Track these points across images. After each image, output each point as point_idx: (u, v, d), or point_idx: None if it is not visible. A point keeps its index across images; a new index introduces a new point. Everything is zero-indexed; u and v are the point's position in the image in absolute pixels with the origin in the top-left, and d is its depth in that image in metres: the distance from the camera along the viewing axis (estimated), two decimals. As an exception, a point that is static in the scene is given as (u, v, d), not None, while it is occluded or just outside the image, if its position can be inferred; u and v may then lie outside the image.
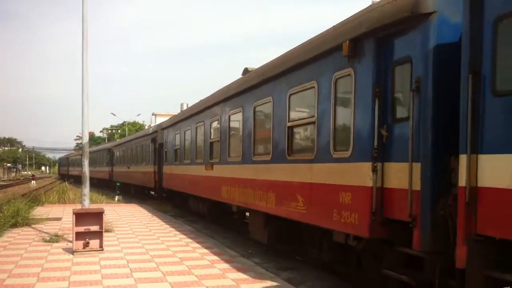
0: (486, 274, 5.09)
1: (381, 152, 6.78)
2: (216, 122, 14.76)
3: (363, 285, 7.84)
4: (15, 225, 15.33)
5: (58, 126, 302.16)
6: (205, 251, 11.49)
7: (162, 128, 24.37)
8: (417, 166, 6.06)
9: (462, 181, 5.22)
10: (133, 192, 32.83)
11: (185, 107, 25.64)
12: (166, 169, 22.37)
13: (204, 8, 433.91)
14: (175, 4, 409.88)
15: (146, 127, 62.31)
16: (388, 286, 7.15)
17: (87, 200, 13.09)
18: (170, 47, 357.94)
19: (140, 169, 29.46)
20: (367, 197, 6.84)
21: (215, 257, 10.67)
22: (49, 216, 18.53)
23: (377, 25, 6.78)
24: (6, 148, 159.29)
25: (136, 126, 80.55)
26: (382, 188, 6.78)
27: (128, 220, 18.03)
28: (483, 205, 5.05)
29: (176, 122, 20.92)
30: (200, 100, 17.46)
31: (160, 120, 41.15)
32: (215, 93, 15.40)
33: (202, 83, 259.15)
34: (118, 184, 33.02)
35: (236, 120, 12.95)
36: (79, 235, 11.12)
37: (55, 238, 12.89)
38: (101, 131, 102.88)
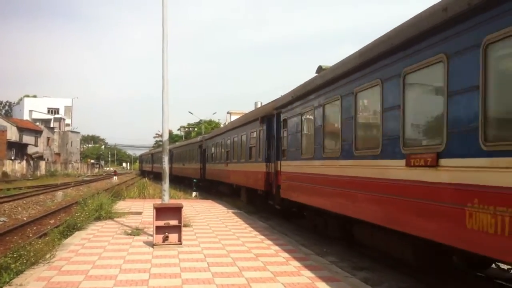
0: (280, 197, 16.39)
1: (273, 157, 17.84)
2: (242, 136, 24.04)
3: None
4: (98, 218, 16.08)
5: (137, 124, 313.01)
6: (280, 248, 11.55)
7: (205, 139, 36.58)
8: (272, 165, 18.19)
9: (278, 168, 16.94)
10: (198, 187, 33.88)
11: (259, 105, 26.30)
12: (209, 166, 33.87)
13: (279, 5, 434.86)
14: (250, 4, 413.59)
15: (222, 125, 63.40)
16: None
17: (167, 195, 13.49)
18: (245, 46, 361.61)
19: (192, 166, 40.82)
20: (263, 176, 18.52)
21: (289, 255, 10.70)
22: (131, 210, 19.26)
23: (268, 111, 19.06)
24: (90, 145, 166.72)
25: (212, 125, 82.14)
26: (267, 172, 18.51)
27: (204, 215, 18.44)
28: (280, 176, 16.43)
29: (213, 136, 33.71)
30: (230, 122, 27.86)
31: (234, 117, 43.11)
32: (234, 120, 27.54)
33: (276, 81, 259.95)
34: (195, 180, 33.73)
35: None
36: (159, 229, 11.49)
37: (136, 232, 13.38)
38: (178, 129, 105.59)
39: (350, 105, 10.39)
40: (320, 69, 13.90)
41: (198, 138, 40.59)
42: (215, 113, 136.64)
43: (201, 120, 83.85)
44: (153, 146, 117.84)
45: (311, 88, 13.21)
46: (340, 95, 11.03)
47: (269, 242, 12.45)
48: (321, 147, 12.29)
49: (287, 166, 15.69)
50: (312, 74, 14.06)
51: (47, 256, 9.83)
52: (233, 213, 19.59)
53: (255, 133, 21.02)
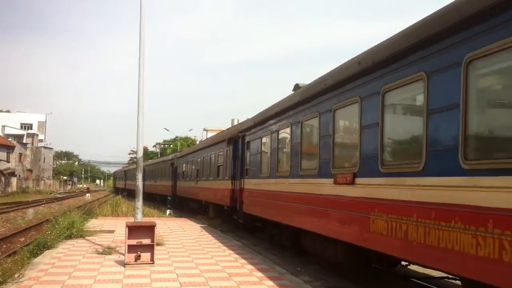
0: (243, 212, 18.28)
1: (238, 176, 19.92)
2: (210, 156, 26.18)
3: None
4: (70, 237, 15.75)
5: (112, 140, 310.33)
6: (254, 267, 11.46)
7: (177, 157, 38.24)
8: (237, 182, 19.88)
9: (242, 186, 18.58)
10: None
11: (235, 123, 26.38)
12: (180, 183, 35.46)
13: (254, 23, 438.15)
14: (226, 21, 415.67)
15: (198, 142, 63.23)
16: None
17: (140, 213, 13.30)
18: (221, 63, 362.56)
19: (163, 183, 42.79)
20: (229, 192, 20.36)
21: (263, 274, 10.62)
22: (103, 229, 18.98)
23: (234, 134, 21.01)
24: (63, 161, 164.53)
25: (188, 141, 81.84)
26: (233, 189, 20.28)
27: (178, 234, 18.25)
28: (243, 192, 17.99)
29: (184, 154, 35.86)
30: (201, 142, 30.92)
31: (210, 134, 43.78)
32: (205, 140, 33.26)
33: (253, 98, 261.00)
34: (169, 198, 33.48)
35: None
36: (131, 248, 11.31)
37: (108, 251, 13.16)
38: (154, 146, 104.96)
39: (298, 132, 12.39)
40: (297, 86, 13.98)
41: (170, 156, 43.49)
42: (191, 129, 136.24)
43: (177, 137, 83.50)
44: (128, 163, 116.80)
45: (269, 115, 15.19)
46: (290, 123, 12.96)
47: (243, 261, 12.36)
48: (276, 167, 14.17)
49: (249, 183, 17.40)
50: (289, 91, 14.23)
51: (16, 275, 9.57)
52: (208, 231, 19.44)
53: (222, 153, 22.81)
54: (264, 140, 15.74)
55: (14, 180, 73.21)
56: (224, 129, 29.30)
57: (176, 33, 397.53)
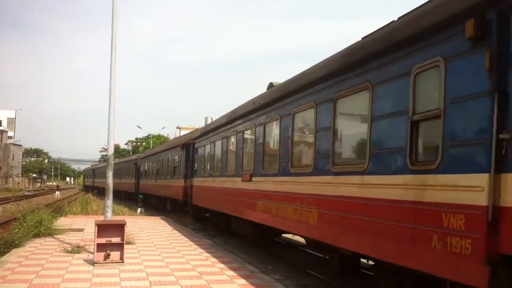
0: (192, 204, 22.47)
1: (189, 175, 23.50)
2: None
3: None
4: (37, 235, 15.48)
5: (83, 138, 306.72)
6: (225, 266, 11.44)
7: (140, 157, 42.14)
8: (188, 180, 23.99)
9: (192, 183, 22.62)
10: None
11: (209, 121, 26.58)
12: (142, 181, 39.08)
13: (228, 22, 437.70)
14: (199, 19, 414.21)
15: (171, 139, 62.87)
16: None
17: (110, 211, 13.15)
18: (195, 61, 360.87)
19: (127, 181, 45.93)
20: (182, 189, 25.12)
21: (234, 272, 10.60)
22: (72, 227, 18.69)
23: (187, 140, 25.11)
24: (32, 158, 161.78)
25: (161, 139, 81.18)
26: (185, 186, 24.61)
27: (149, 232, 18.10)
28: (193, 189, 22.16)
29: (146, 156, 40.00)
30: (160, 145, 38.41)
31: (183, 133, 43.48)
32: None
33: (226, 97, 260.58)
34: (140, 196, 33.25)
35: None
36: (100, 247, 11.16)
37: (77, 249, 12.96)
38: (126, 143, 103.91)
39: (225, 144, 16.80)
40: (271, 85, 13.99)
41: (134, 157, 48.19)
42: (164, 127, 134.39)
43: (149, 135, 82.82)
44: (99, 161, 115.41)
45: (209, 129, 19.84)
46: (221, 137, 17.33)
47: (214, 259, 12.32)
48: (213, 169, 18.47)
49: (197, 181, 21.52)
50: (263, 89, 14.31)
51: (-20, 274, 9.37)
52: (179, 230, 19.33)
53: (177, 156, 27.04)
54: (206, 147, 19.89)
55: (-19, 177, 71.70)
56: (197, 127, 29.57)
57: (151, 31, 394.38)
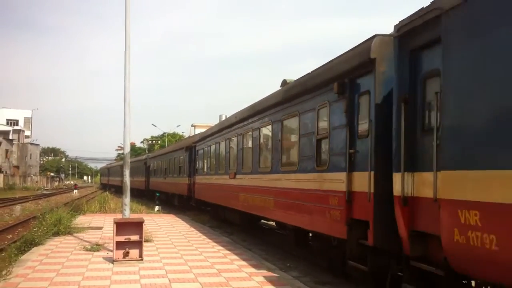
0: (195, 198, 25.88)
1: (192, 173, 26.55)
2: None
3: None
4: (57, 234, 15.65)
5: (100, 136, 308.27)
6: (243, 263, 11.47)
7: (149, 157, 46.46)
8: (191, 178, 26.91)
9: (194, 181, 26.25)
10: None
11: (223, 118, 26.74)
12: (152, 179, 43.17)
13: (243, 20, 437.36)
14: (214, 16, 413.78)
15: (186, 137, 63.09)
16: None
17: (128, 209, 13.25)
18: (211, 58, 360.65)
19: (138, 179, 48.61)
20: (186, 186, 28.13)
21: (253, 270, 10.63)
22: (90, 225, 18.87)
23: (189, 143, 28.18)
24: (50, 158, 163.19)
25: (175, 137, 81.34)
26: (189, 183, 27.78)
27: (167, 230, 18.20)
28: (195, 185, 25.64)
29: (155, 156, 43.68)
30: (167, 147, 41.40)
31: (198, 130, 43.57)
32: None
33: (241, 94, 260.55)
34: (157, 194, 33.43)
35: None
36: (119, 245, 11.24)
37: (96, 247, 13.09)
38: (141, 142, 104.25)
39: (218, 148, 20.22)
40: (284, 82, 13.96)
41: (144, 156, 52.23)
42: (179, 125, 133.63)
43: (164, 133, 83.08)
44: (115, 159, 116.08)
45: (205, 135, 23.42)
46: (215, 141, 20.70)
47: (233, 257, 12.34)
48: (209, 168, 22.30)
49: (198, 179, 24.87)
50: (277, 86, 14.30)
51: (3, 272, 9.52)
52: (196, 227, 19.40)
53: (182, 157, 30.57)
54: (205, 150, 23.28)
55: (0, 177, 72.51)
56: (212, 124, 29.72)
57: (164, 28, 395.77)
